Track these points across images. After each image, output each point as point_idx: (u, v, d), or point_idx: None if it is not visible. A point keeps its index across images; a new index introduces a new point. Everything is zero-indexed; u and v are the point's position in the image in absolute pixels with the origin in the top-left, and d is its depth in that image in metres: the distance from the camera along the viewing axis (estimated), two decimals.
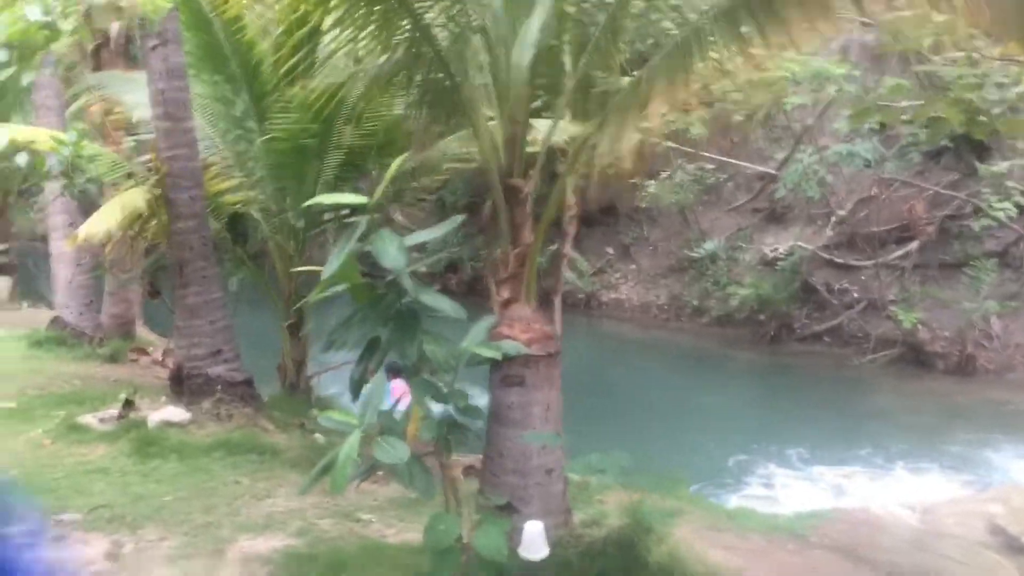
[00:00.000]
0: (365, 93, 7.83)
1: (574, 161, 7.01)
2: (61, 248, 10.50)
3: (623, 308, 18.12)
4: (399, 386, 12.56)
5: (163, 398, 7.91)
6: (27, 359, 9.96)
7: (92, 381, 9.34)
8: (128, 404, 7.60)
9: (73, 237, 6.79)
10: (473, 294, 19.26)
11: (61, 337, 10.50)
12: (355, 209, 4.22)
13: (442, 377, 4.23)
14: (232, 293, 8.00)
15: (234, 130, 9.24)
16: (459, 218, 4.37)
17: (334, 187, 9.13)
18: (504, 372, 3.96)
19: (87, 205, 12.44)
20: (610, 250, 19.19)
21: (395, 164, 4.27)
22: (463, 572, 3.74)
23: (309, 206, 8.92)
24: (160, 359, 11.30)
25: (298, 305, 9.02)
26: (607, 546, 3.74)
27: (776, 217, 16.97)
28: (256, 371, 8.35)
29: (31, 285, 15.82)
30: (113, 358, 10.39)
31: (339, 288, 4.56)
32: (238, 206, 8.32)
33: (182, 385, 7.59)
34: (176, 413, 7.26)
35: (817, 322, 15.43)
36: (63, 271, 10.60)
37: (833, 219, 15.76)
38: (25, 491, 5.96)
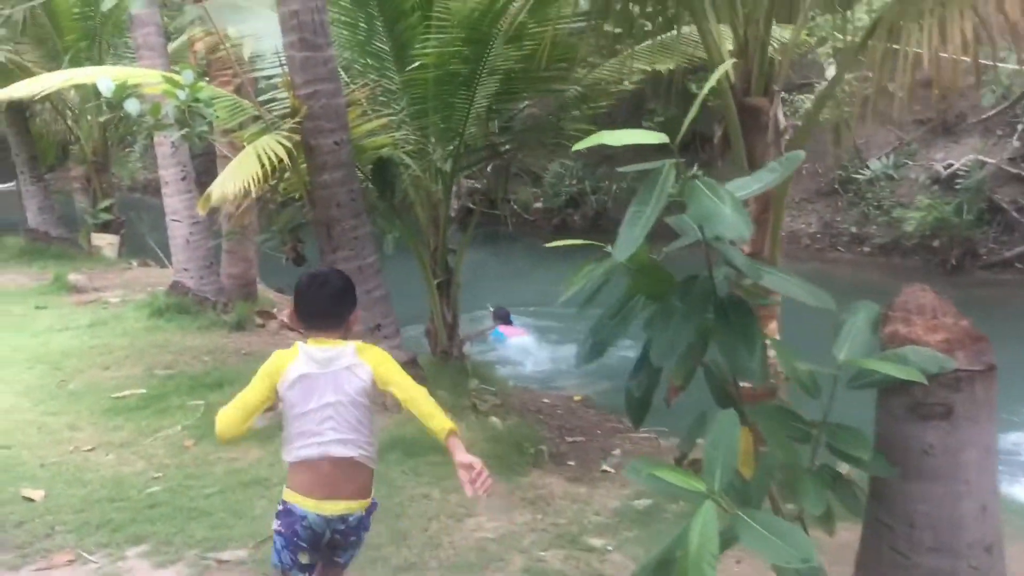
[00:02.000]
0: (531, 2, 6.43)
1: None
2: (176, 205, 9.40)
3: None
4: (509, 331, 11.39)
5: None
6: (150, 331, 8.96)
7: (223, 355, 8.29)
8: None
9: (205, 198, 5.57)
10: (596, 231, 17.78)
11: (183, 304, 9.46)
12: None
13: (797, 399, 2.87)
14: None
15: (361, 59, 7.91)
16: (800, 153, 2.95)
17: (485, 120, 7.76)
18: (916, 399, 2.55)
19: (201, 156, 11.38)
20: None
21: (714, 75, 2.80)
22: None
23: (457, 145, 7.64)
24: (287, 321, 10.25)
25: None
26: None
27: (945, 129, 14.97)
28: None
29: (138, 241, 14.93)
30: (240, 325, 9.34)
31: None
32: (384, 150, 6.97)
33: None
34: None
35: (1006, 246, 13.53)
36: (180, 230, 9.51)
37: (1021, 127, 13.73)
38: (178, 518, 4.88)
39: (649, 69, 7.16)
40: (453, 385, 7.74)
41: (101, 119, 12.89)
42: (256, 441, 5.90)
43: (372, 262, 6.32)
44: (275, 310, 10.55)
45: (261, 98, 7.25)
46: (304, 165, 6.32)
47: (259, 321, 9.83)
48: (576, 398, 8.81)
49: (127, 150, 19.63)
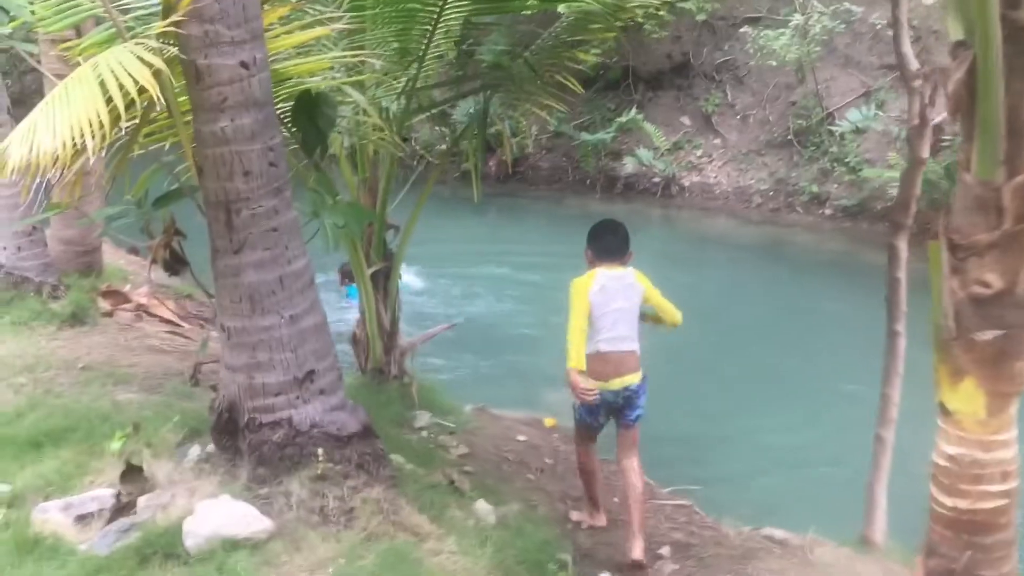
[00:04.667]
0: None
1: None
2: None
3: (712, 195, 14.44)
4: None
5: (195, 446, 4.18)
6: None
7: (49, 374, 5.58)
8: (131, 472, 3.90)
9: None
10: (515, 180, 15.37)
11: None
12: None
13: None
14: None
15: None
16: None
17: (458, 39, 5.26)
18: None
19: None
20: (686, 120, 15.35)
21: None
22: None
23: (415, 76, 5.12)
24: (145, 303, 7.54)
25: None
26: None
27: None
28: None
29: None
30: (76, 317, 6.63)
31: None
32: (315, 79, 4.36)
33: (236, 439, 3.87)
34: (238, 514, 3.53)
35: None
36: None
37: None
38: None
39: None
40: (398, 422, 5.41)
41: None
42: None
43: (300, 269, 3.77)
44: (127, 287, 7.78)
45: None
46: (185, 100, 3.69)
47: (105, 307, 7.09)
48: (548, 423, 6.60)
49: None
